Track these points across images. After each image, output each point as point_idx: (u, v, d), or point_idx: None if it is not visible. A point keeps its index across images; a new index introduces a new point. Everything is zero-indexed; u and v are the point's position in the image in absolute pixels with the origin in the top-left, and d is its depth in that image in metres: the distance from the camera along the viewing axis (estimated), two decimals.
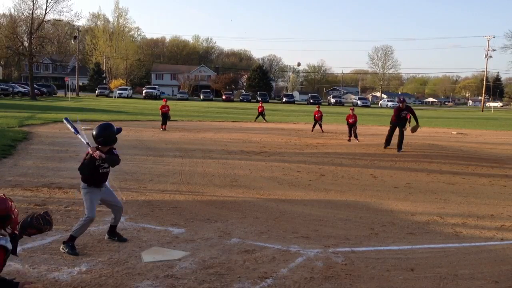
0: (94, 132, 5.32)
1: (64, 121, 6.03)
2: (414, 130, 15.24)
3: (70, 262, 4.76)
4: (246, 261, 4.95)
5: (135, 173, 9.99)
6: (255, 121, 30.00)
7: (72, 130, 5.78)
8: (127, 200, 7.57)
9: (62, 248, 5.03)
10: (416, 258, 5.24)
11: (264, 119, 30.23)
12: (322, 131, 23.41)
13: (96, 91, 74.71)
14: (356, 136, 18.82)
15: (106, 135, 5.33)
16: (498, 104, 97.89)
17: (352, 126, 18.97)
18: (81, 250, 5.09)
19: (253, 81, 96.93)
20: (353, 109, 19.83)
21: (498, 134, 27.39)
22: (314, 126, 24.16)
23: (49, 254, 4.96)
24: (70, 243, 5.04)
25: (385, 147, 14.84)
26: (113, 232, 5.52)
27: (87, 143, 5.47)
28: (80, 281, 4.31)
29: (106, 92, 74.72)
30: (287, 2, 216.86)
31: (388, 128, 15.38)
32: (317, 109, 24.47)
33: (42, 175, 9.34)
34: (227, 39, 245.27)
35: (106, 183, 5.49)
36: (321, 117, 24.08)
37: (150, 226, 6.16)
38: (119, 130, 5.50)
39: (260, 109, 30.61)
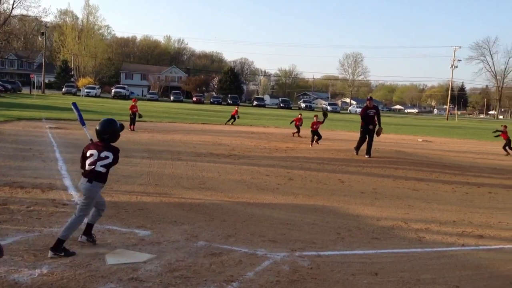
0: (98, 128, 5.12)
1: (72, 107, 5.76)
2: (378, 133, 15.30)
3: (31, 264, 4.62)
4: (213, 264, 4.92)
5: None
6: (225, 124, 29.91)
7: (79, 119, 5.56)
8: None
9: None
10: (380, 262, 5.32)
11: (231, 122, 30.14)
12: (299, 136, 23.81)
13: (63, 89, 73.20)
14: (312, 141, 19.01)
15: (112, 131, 5.17)
16: (457, 112, 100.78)
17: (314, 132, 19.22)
18: (42, 252, 4.95)
19: (224, 83, 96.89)
20: (317, 116, 20.12)
21: (462, 142, 28.18)
22: (298, 132, 24.63)
23: (9, 255, 4.81)
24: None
25: (356, 153, 14.79)
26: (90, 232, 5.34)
27: (91, 139, 5.32)
28: (41, 283, 4.19)
29: (73, 90, 73.34)
30: (260, 6, 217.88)
31: (359, 133, 15.20)
32: (299, 116, 25.07)
33: (3, 174, 9.06)
34: (199, 41, 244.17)
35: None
36: (301, 123, 24.88)
37: (115, 228, 6.06)
38: (122, 127, 5.34)
39: (234, 112, 30.70)
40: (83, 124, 5.67)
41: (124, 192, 8.28)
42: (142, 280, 4.39)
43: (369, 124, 14.58)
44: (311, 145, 18.64)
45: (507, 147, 20.66)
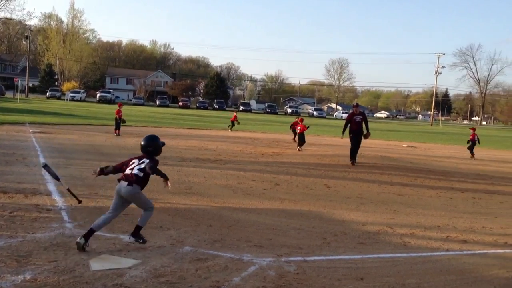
0: (142, 143, 5.71)
1: (44, 170, 5.98)
2: (366, 137, 15.22)
3: (13, 270, 4.55)
4: (198, 269, 4.89)
5: (86, 178, 9.71)
6: (228, 129, 30.42)
7: (53, 178, 5.89)
8: (76, 206, 7.34)
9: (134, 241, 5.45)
10: (366, 267, 5.34)
11: (230, 128, 30.46)
12: (294, 140, 23.93)
13: (47, 93, 72.44)
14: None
15: (155, 145, 5.69)
16: (442, 118, 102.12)
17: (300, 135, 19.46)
18: (25, 258, 4.88)
19: (210, 88, 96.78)
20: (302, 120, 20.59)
21: (446, 147, 28.50)
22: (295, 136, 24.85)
23: None
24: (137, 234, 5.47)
25: (352, 163, 14.42)
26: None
27: (67, 189, 5.92)
28: None
29: (58, 94, 72.62)
30: (246, 12, 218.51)
31: (349, 139, 14.82)
32: (298, 121, 25.16)
33: None
34: (185, 46, 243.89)
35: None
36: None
37: (100, 233, 5.96)
38: (163, 143, 5.81)
39: (233, 118, 31.07)
40: (58, 180, 5.88)
41: (109, 197, 8.18)
42: (127, 286, 4.35)
43: (356, 131, 14.51)
44: (298, 149, 18.73)
45: (470, 147, 21.79)
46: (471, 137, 22.01)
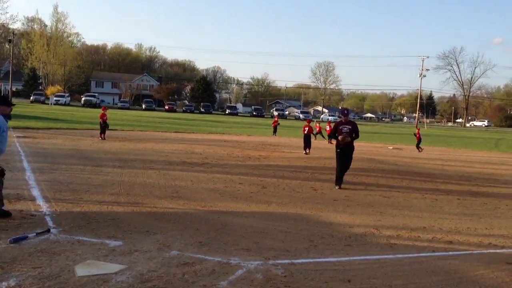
0: None
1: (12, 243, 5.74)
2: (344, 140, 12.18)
3: None
4: (186, 274, 4.86)
5: (71, 183, 9.62)
6: (274, 134, 32.48)
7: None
8: (61, 211, 7.27)
9: None
10: (353, 269, 5.36)
11: (275, 132, 32.46)
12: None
13: (31, 97, 71.59)
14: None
15: None
16: (426, 120, 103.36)
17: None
18: (10, 264, 4.81)
19: (196, 92, 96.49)
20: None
21: (431, 149, 28.75)
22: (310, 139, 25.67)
23: None
24: None
25: (339, 186, 11.23)
26: None
27: None
28: None
29: (42, 98, 71.76)
30: (232, 15, 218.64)
31: (335, 155, 11.49)
32: (307, 123, 25.78)
33: None
34: (171, 49, 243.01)
35: None
36: (319, 129, 27.67)
37: (85, 238, 5.92)
38: None
39: (274, 123, 32.56)
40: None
41: (95, 202, 8.13)
42: None
43: (343, 144, 11.20)
44: (306, 152, 18.93)
45: (419, 146, 26.07)
46: (417, 136, 26.38)
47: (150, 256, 5.35)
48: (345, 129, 11.20)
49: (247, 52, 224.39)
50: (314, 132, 26.65)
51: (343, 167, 11.27)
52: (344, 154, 11.20)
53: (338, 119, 11.95)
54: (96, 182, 9.94)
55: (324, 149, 21.46)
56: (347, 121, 11.55)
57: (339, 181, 11.31)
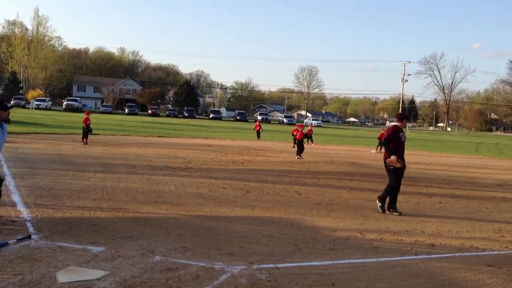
0: None
1: None
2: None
3: None
4: (169, 279, 4.82)
5: (52, 189, 9.48)
6: (258, 139, 32.66)
7: None
8: (42, 217, 7.16)
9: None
10: (337, 273, 5.37)
11: (258, 137, 32.30)
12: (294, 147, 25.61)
13: (11, 102, 70.52)
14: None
15: None
16: (408, 124, 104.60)
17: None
18: None
19: (180, 96, 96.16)
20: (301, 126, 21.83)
21: (413, 153, 29.06)
22: (302, 143, 26.38)
23: None
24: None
25: (399, 212, 9.15)
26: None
27: None
28: None
29: (22, 103, 70.80)
30: (215, 19, 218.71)
31: (387, 170, 9.34)
32: (296, 127, 26.92)
33: None
34: (154, 53, 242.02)
35: None
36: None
37: (67, 244, 5.84)
38: None
39: (256, 127, 32.95)
40: None
41: (77, 207, 8.03)
42: None
43: (402, 157, 9.20)
44: (298, 157, 19.00)
45: (380, 147, 26.79)
46: (380, 136, 27.30)
47: (133, 262, 5.30)
48: (403, 137, 9.34)
49: (230, 56, 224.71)
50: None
51: (399, 183, 9.26)
52: (402, 168, 9.16)
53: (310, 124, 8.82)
54: (78, 187, 9.82)
55: (308, 153, 21.53)
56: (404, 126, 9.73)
57: (393, 203, 9.26)
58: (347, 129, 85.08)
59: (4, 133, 6.48)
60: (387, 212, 9.15)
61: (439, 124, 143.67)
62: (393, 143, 9.08)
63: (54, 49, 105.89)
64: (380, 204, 9.30)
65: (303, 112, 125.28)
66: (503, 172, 19.46)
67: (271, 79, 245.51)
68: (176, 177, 12.10)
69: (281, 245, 6.49)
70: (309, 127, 33.23)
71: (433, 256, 6.35)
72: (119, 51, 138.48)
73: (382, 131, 28.46)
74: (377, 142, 29.56)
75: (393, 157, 8.94)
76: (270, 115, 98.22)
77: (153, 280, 4.77)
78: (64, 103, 74.03)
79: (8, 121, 6.63)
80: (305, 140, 28.29)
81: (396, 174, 9.13)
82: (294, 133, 27.05)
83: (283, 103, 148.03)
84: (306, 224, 7.90)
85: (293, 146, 26.75)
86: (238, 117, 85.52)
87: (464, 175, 17.29)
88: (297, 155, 19.30)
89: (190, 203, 9.05)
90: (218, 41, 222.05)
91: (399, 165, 8.92)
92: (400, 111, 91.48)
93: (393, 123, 10.00)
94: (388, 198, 9.24)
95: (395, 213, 9.05)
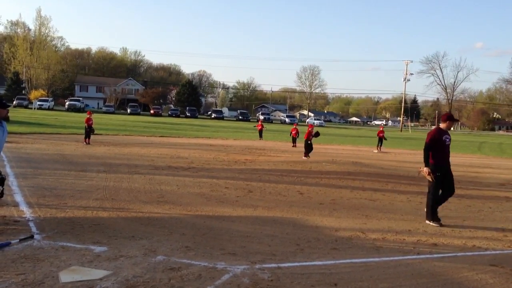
0: None
1: None
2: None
3: None
4: (172, 279, 4.83)
5: (55, 189, 9.50)
6: (261, 138, 32.83)
7: None
8: (44, 217, 7.18)
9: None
10: (340, 272, 5.37)
11: (261, 136, 32.83)
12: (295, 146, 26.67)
13: (14, 102, 70.73)
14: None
15: None
16: (411, 124, 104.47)
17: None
18: None
19: (182, 96, 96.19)
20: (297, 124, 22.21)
21: (415, 153, 29.00)
22: (294, 142, 27.50)
23: None
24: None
25: (439, 222, 8.21)
26: None
27: None
28: None
29: (25, 103, 70.91)
30: (217, 19, 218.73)
31: (431, 179, 8.23)
32: (294, 126, 27.76)
33: None
34: (157, 53, 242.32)
35: None
36: (297, 134, 27.64)
37: (69, 244, 5.85)
38: None
39: (259, 126, 33.16)
40: None
41: (79, 207, 8.04)
42: None
43: (447, 162, 8.35)
44: (305, 156, 19.06)
45: (380, 143, 28.35)
46: (379, 133, 28.50)
47: (135, 262, 5.31)
48: (448, 140, 8.43)
49: (233, 56, 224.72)
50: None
51: (446, 193, 8.31)
52: (447, 175, 8.30)
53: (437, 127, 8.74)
54: (80, 187, 9.84)
55: (310, 153, 21.49)
56: (450, 128, 8.65)
57: (434, 213, 8.31)
58: (349, 128, 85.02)
59: (4, 132, 6.48)
60: (426, 221, 8.29)
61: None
62: (434, 149, 8.14)
63: (56, 49, 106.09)
64: (432, 223, 8.22)
65: (305, 112, 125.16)
66: (506, 172, 19.41)
67: (273, 78, 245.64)
68: (179, 177, 12.11)
69: (284, 244, 6.49)
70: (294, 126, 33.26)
71: (435, 255, 6.34)
72: (122, 51, 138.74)
73: (381, 128, 28.91)
74: (376, 140, 29.55)
75: (425, 169, 8.11)
76: (272, 115, 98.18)
77: (156, 280, 4.78)
78: (67, 103, 74.11)
79: (7, 119, 6.65)
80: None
81: (438, 183, 8.17)
82: (293, 133, 27.45)
83: (285, 103, 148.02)
84: (309, 224, 7.90)
85: (293, 146, 26.87)
86: (240, 117, 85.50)
87: (466, 174, 17.25)
88: (304, 155, 19.30)
89: (192, 203, 9.05)
90: (220, 41, 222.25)
91: (430, 178, 8.12)
92: (402, 111, 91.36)
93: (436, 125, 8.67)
94: (431, 206, 8.29)
95: (433, 223, 8.17)
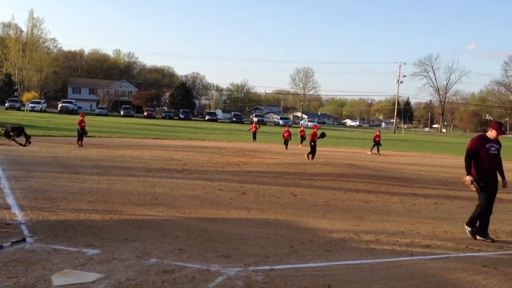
0: None
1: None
2: (504, 186, 9.58)
3: None
4: (165, 281, 4.81)
5: (47, 191, 9.44)
6: (254, 140, 32.79)
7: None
8: (37, 220, 7.13)
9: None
10: (333, 274, 5.37)
11: (254, 138, 32.89)
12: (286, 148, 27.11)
13: (6, 104, 70.32)
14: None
15: None
16: (404, 126, 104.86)
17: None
18: None
19: (176, 98, 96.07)
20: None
21: (408, 154, 29.16)
22: (286, 144, 28.00)
23: None
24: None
25: (487, 237, 7.53)
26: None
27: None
28: None
29: (17, 105, 70.51)
30: (210, 21, 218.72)
31: (476, 189, 7.54)
32: (286, 128, 28.05)
33: None
34: (150, 55, 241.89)
35: None
36: (290, 136, 28.29)
37: (62, 247, 5.81)
38: None
39: (253, 128, 33.31)
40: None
41: (72, 210, 8.00)
42: None
43: (492, 172, 7.57)
44: (308, 157, 19.22)
45: (376, 147, 27.73)
46: (377, 139, 27.92)
47: (128, 264, 5.28)
48: (493, 149, 7.55)
49: (226, 58, 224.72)
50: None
51: (490, 205, 7.57)
52: (491, 186, 7.55)
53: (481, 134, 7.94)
54: (73, 190, 9.79)
55: (303, 155, 21.53)
56: (498, 136, 7.67)
57: (484, 228, 7.60)
58: (343, 130, 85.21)
59: None
60: (478, 238, 7.49)
61: (434, 126, 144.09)
62: (476, 158, 7.51)
63: (49, 51, 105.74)
64: (469, 229, 7.61)
65: (299, 114, 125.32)
66: None
67: (267, 80, 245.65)
68: (172, 179, 12.07)
69: (277, 246, 6.49)
70: (302, 128, 33.43)
71: (428, 257, 6.37)
72: (115, 53, 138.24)
73: (378, 132, 28.73)
74: (372, 143, 29.59)
75: (468, 178, 7.44)
76: (266, 117, 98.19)
77: (149, 282, 4.76)
78: (59, 105, 73.79)
79: None
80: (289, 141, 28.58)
81: (485, 193, 7.46)
82: (285, 135, 27.74)
83: (279, 105, 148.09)
84: (302, 226, 7.90)
85: (286, 148, 27.06)
86: (234, 119, 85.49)
87: (459, 176, 17.31)
88: (309, 157, 19.52)
89: (186, 205, 9.03)
90: (214, 43, 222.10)
91: (474, 188, 7.52)
92: (395, 113, 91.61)
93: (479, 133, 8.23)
94: (478, 221, 7.60)
95: (488, 240, 7.41)
